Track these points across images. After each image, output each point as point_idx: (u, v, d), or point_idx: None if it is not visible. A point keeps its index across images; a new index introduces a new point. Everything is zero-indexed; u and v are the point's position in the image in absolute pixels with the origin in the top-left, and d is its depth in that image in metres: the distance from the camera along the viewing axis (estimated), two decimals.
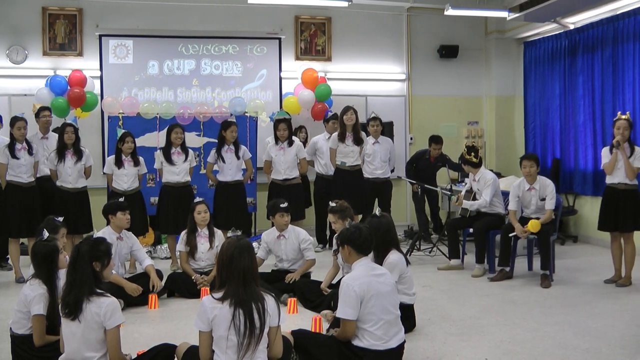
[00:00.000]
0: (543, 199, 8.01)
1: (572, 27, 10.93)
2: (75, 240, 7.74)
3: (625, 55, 9.77)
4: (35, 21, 10.70)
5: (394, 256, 5.63)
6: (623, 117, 7.60)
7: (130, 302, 6.70)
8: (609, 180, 7.70)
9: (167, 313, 6.69)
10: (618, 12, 9.88)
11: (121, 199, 7.43)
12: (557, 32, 11.31)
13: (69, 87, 10.01)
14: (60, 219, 6.22)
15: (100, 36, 10.71)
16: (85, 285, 4.23)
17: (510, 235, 7.97)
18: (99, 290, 4.27)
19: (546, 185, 8.05)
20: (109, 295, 4.30)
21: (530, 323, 6.18)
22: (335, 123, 10.13)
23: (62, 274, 4.79)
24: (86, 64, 10.70)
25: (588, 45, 10.60)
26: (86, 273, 4.28)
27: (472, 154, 8.69)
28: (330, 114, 10.44)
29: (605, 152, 7.76)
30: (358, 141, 9.35)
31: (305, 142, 10.23)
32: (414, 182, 10.28)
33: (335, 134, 9.51)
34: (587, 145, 10.60)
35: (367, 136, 9.75)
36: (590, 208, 10.56)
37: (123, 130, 9.00)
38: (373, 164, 9.91)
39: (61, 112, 9.82)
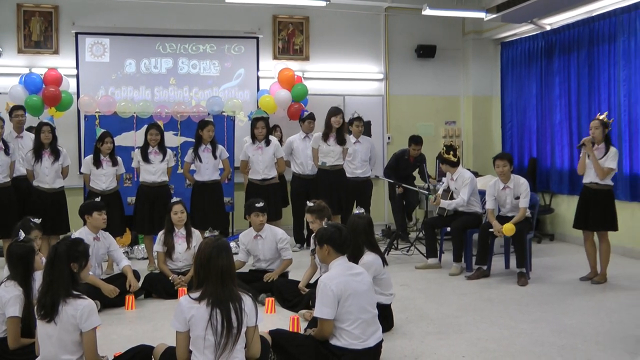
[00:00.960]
0: (517, 197, 8.07)
1: (548, 28, 11.02)
2: (52, 241, 7.67)
3: (601, 57, 9.86)
4: (10, 18, 10.58)
5: (368, 257, 5.63)
6: (599, 117, 7.70)
7: (107, 303, 6.64)
8: (583, 180, 7.80)
9: (144, 314, 6.65)
10: (593, 14, 9.97)
11: (97, 199, 7.37)
12: (534, 33, 11.40)
13: (44, 86, 9.88)
14: (37, 220, 6.16)
15: (77, 34, 10.62)
16: (63, 286, 4.18)
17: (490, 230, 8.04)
18: (75, 292, 4.22)
19: (520, 183, 8.11)
20: (85, 297, 4.25)
21: (507, 321, 6.22)
22: (311, 123, 10.13)
23: (38, 276, 4.75)
24: (62, 62, 10.62)
25: (564, 46, 10.68)
26: (64, 274, 4.22)
27: (451, 152, 8.73)
28: (306, 113, 10.42)
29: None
30: (341, 141, 9.36)
31: (280, 141, 10.19)
32: (392, 181, 10.27)
33: (318, 134, 9.52)
34: (563, 145, 10.69)
35: (349, 135, 9.76)
36: (566, 207, 10.65)
37: (102, 130, 8.93)
38: (353, 163, 9.93)
39: (35, 111, 9.71)
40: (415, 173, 10.93)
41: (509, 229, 7.74)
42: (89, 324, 4.15)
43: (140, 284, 7.20)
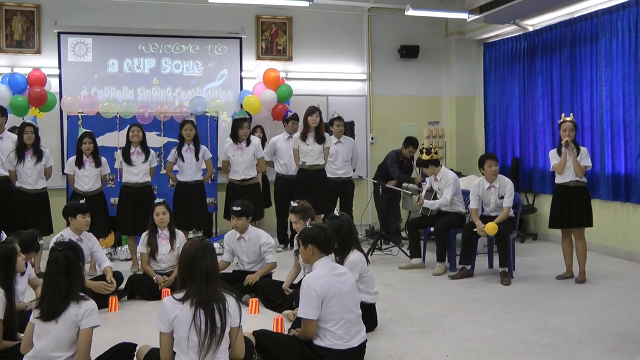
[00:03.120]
0: (502, 197, 8.12)
1: (531, 29, 11.07)
2: None
3: (583, 57, 9.92)
4: None
5: (354, 255, 5.65)
6: (568, 119, 7.81)
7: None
8: (559, 179, 7.89)
9: (127, 315, 6.62)
10: (575, 15, 10.03)
11: (82, 201, 7.30)
12: (517, 34, 11.45)
13: (28, 86, 9.78)
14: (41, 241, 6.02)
15: (59, 33, 10.54)
16: (79, 289, 4.21)
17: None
18: (82, 294, 4.24)
19: (505, 183, 8.18)
20: (89, 298, 4.27)
21: (490, 320, 6.25)
22: (295, 123, 10.11)
23: (19, 278, 4.71)
24: (44, 62, 10.52)
25: (547, 47, 10.74)
26: (80, 277, 4.27)
27: (424, 152, 8.75)
28: (290, 113, 10.40)
29: (553, 153, 7.96)
30: (320, 140, 9.36)
31: (262, 142, 10.14)
32: (375, 181, 10.24)
33: (297, 135, 9.52)
34: (546, 145, 10.74)
35: (330, 135, 9.76)
36: (549, 206, 10.57)
37: (83, 130, 8.88)
38: (335, 163, 9.92)
39: (20, 112, 9.63)
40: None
41: (491, 227, 7.78)
42: (88, 322, 4.15)
43: (123, 285, 7.21)
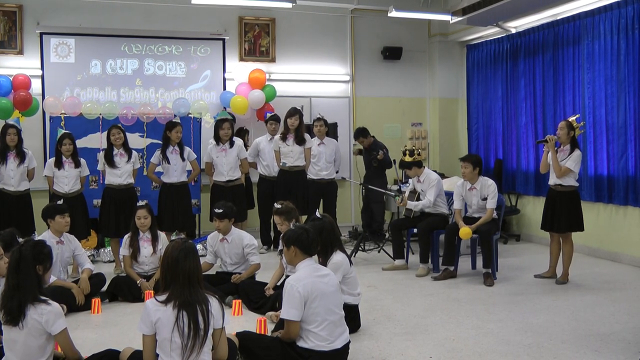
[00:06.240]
0: (485, 199, 8.13)
1: (513, 31, 11.12)
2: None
3: (565, 59, 9.98)
4: None
5: (337, 256, 5.66)
6: (569, 119, 7.82)
7: (73, 306, 6.56)
8: (549, 182, 7.91)
9: (110, 318, 6.57)
10: (558, 18, 10.08)
11: (60, 202, 7.25)
12: (500, 36, 11.50)
13: (12, 89, 9.67)
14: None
15: (41, 34, 10.46)
16: (30, 289, 4.12)
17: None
18: (42, 297, 4.17)
19: (487, 185, 8.17)
20: (51, 302, 4.19)
21: (474, 320, 6.26)
22: (273, 124, 10.07)
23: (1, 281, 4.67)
24: (26, 63, 10.44)
25: (529, 49, 10.80)
26: (30, 276, 4.17)
27: (407, 154, 8.77)
28: (269, 114, 10.38)
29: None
30: (300, 141, 9.38)
31: (245, 146, 10.08)
32: (358, 182, 10.25)
33: (277, 136, 9.56)
34: (528, 147, 10.80)
35: (313, 137, 9.77)
36: (532, 207, 10.77)
37: (62, 131, 8.83)
38: (318, 164, 9.91)
39: (5, 114, 9.53)
40: (390, 172, 10.89)
41: (464, 233, 7.82)
42: (56, 327, 4.12)
43: (106, 287, 7.21)
